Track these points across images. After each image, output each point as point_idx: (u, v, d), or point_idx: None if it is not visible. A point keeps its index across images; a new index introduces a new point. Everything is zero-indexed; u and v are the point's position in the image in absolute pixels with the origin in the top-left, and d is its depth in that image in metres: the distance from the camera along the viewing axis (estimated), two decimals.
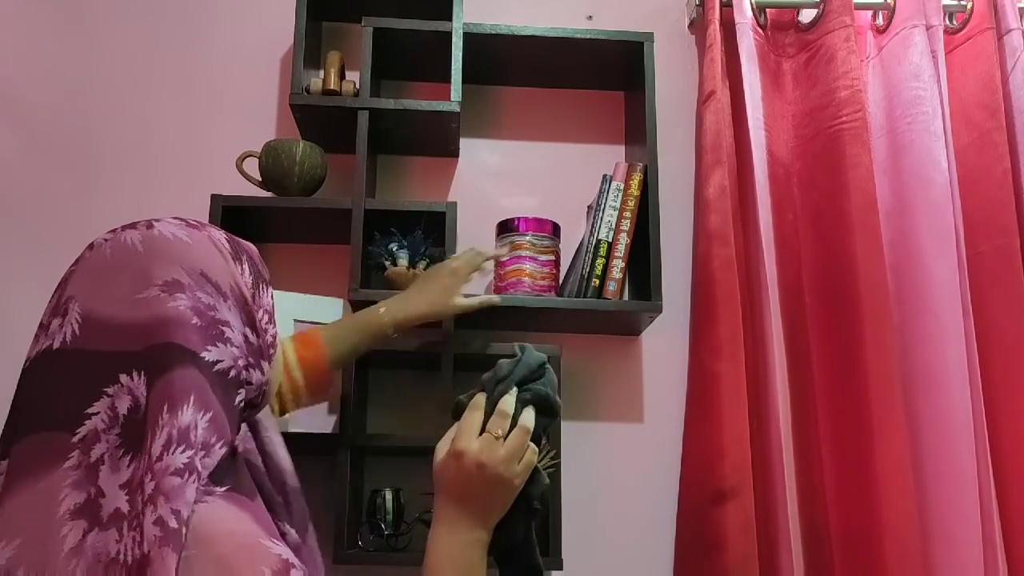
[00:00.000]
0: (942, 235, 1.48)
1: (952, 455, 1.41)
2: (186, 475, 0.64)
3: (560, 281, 1.50)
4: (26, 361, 0.70)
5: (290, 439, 1.40)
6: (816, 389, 1.48)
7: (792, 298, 1.54)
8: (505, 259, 1.47)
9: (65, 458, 0.64)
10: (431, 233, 1.46)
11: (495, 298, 1.33)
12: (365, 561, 1.39)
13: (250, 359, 0.75)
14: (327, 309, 1.44)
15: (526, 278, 1.45)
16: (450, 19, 1.51)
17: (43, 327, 0.70)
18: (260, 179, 1.47)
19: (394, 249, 1.45)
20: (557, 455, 1.35)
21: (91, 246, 0.74)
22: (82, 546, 0.62)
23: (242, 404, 0.74)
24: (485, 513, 0.84)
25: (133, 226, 0.75)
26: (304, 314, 1.41)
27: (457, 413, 0.87)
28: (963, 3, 1.64)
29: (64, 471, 0.64)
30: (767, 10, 1.66)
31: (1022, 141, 1.55)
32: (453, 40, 1.50)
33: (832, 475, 1.44)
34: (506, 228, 1.49)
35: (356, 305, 1.42)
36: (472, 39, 1.53)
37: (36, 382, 0.68)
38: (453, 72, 1.49)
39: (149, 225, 0.75)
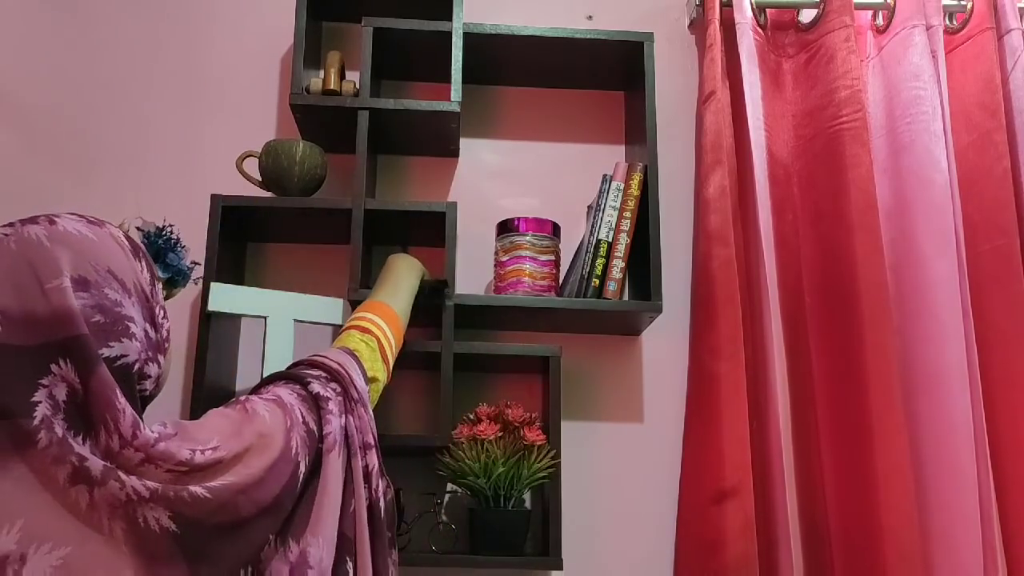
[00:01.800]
0: (942, 235, 1.48)
1: (952, 455, 1.41)
2: (161, 443, 0.74)
3: (560, 281, 1.50)
4: None
5: None
6: (816, 389, 1.48)
7: (792, 298, 1.54)
8: (505, 259, 1.47)
9: (35, 440, 0.68)
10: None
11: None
12: None
13: (149, 352, 0.78)
14: (327, 309, 1.44)
15: (526, 278, 1.45)
16: (450, 19, 1.51)
17: None
18: (260, 179, 1.47)
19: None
20: (557, 455, 1.36)
21: None
22: (95, 502, 0.69)
23: (144, 394, 0.79)
24: (417, 269, 1.35)
25: (34, 220, 0.77)
26: (304, 314, 1.41)
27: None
28: (963, 3, 1.64)
29: (41, 451, 0.68)
30: (767, 10, 1.66)
31: (1022, 141, 1.55)
32: (453, 40, 1.50)
33: (832, 475, 1.44)
34: (506, 228, 1.49)
35: (356, 305, 1.42)
36: (472, 39, 1.53)
37: None
38: (453, 72, 1.49)
39: (51, 220, 0.77)
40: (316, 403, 0.93)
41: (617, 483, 1.54)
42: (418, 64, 1.61)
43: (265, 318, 1.37)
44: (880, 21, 1.66)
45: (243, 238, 1.57)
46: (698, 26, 1.72)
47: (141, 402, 0.78)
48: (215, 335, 1.38)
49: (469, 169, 1.67)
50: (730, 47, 1.62)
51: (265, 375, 1.34)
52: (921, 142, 1.53)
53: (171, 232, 1.23)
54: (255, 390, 0.95)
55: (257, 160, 1.47)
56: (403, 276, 1.32)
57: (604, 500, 1.53)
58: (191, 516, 0.73)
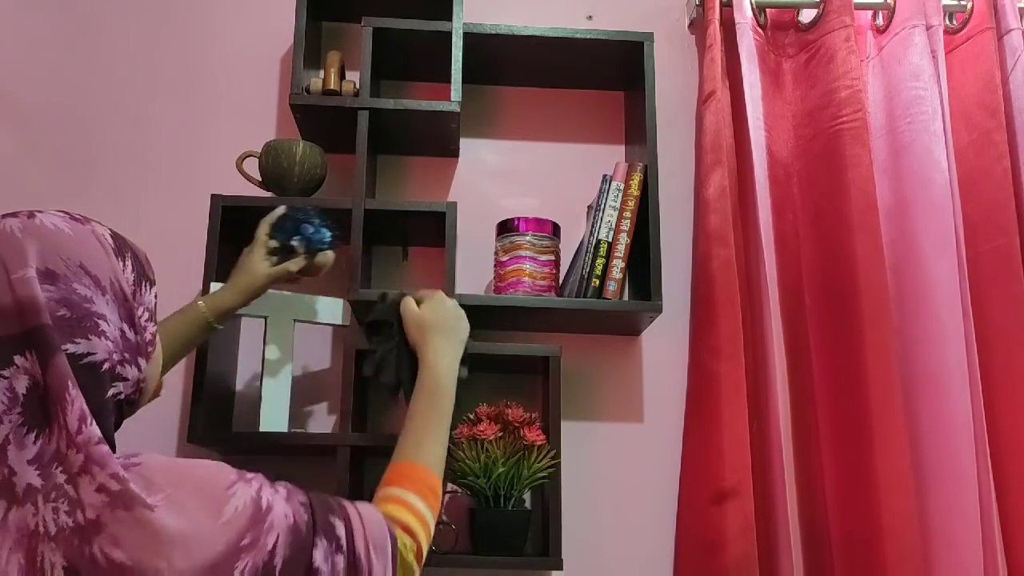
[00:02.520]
0: (942, 235, 1.48)
1: (952, 456, 1.41)
2: (105, 444, 0.69)
3: (560, 281, 1.50)
4: None
5: (290, 439, 1.41)
6: (816, 389, 1.48)
7: (792, 298, 1.53)
8: (505, 259, 1.47)
9: None
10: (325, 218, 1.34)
11: (298, 261, 1.27)
12: None
13: (126, 354, 0.76)
14: (327, 309, 1.44)
15: (526, 278, 1.44)
16: (450, 19, 1.51)
17: None
18: (260, 179, 1.47)
19: (293, 243, 1.30)
20: (557, 455, 1.36)
21: None
22: (6, 524, 0.66)
23: (119, 397, 0.75)
24: (460, 345, 1.18)
25: (15, 215, 0.76)
26: (304, 314, 1.42)
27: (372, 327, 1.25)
28: (963, 3, 1.64)
29: None
30: (767, 10, 1.66)
31: (1022, 141, 1.55)
32: (453, 40, 1.50)
33: (832, 475, 1.44)
34: (506, 228, 1.49)
35: (356, 305, 1.42)
36: (472, 39, 1.52)
37: None
38: (453, 72, 1.49)
39: (31, 215, 0.76)
40: (307, 564, 0.75)
41: (617, 483, 1.54)
42: (418, 64, 1.60)
43: (265, 318, 1.37)
44: (880, 21, 1.66)
45: (243, 238, 1.56)
46: (698, 26, 1.72)
47: (118, 406, 0.76)
48: (215, 335, 1.38)
49: (469, 169, 1.67)
50: (730, 47, 1.62)
51: (263, 373, 1.35)
52: (921, 142, 1.53)
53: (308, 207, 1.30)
54: (274, 479, 0.79)
55: (257, 160, 1.46)
56: (450, 391, 1.11)
57: (604, 500, 1.53)
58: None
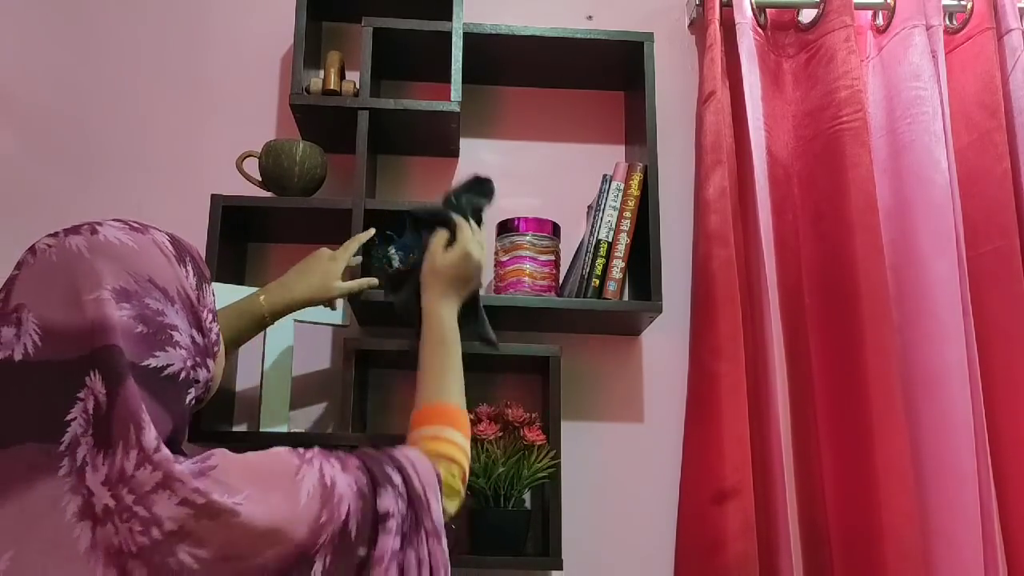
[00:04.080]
0: (942, 236, 1.48)
1: (952, 455, 1.41)
2: (183, 458, 0.71)
3: (560, 281, 1.50)
4: None
5: (290, 440, 1.41)
6: (816, 389, 1.48)
7: (792, 298, 1.54)
8: (504, 259, 1.47)
9: (57, 467, 0.68)
10: (426, 232, 1.42)
11: (372, 280, 1.28)
12: None
13: (197, 359, 0.78)
14: (327, 309, 1.44)
15: (526, 278, 1.45)
16: (450, 19, 1.51)
17: None
18: (260, 179, 1.47)
19: (391, 252, 1.43)
20: (557, 455, 1.36)
21: (33, 251, 0.75)
22: (95, 543, 0.67)
23: (192, 401, 0.78)
24: (467, 292, 1.17)
25: (76, 231, 0.76)
26: (305, 315, 1.41)
27: (415, 223, 1.23)
28: (963, 3, 1.64)
29: (60, 479, 0.67)
30: (767, 10, 1.66)
31: (1022, 141, 1.55)
32: (453, 40, 1.50)
33: (832, 475, 1.44)
34: (506, 228, 1.49)
35: (356, 305, 1.42)
36: (472, 39, 1.52)
37: (2, 393, 0.69)
38: (453, 72, 1.49)
39: (93, 230, 0.76)
40: (375, 517, 0.80)
41: (617, 483, 1.54)
42: (418, 64, 1.60)
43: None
44: (880, 21, 1.66)
45: (243, 238, 1.57)
46: (698, 26, 1.72)
47: (190, 408, 0.79)
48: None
49: (469, 169, 1.66)
50: (730, 47, 1.62)
51: (263, 373, 1.35)
52: (921, 142, 1.53)
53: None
54: (327, 450, 0.83)
55: (257, 160, 1.46)
56: (456, 341, 1.14)
57: (604, 500, 1.53)
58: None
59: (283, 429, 1.36)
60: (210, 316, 0.82)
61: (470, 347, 1.42)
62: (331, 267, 1.24)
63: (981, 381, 1.44)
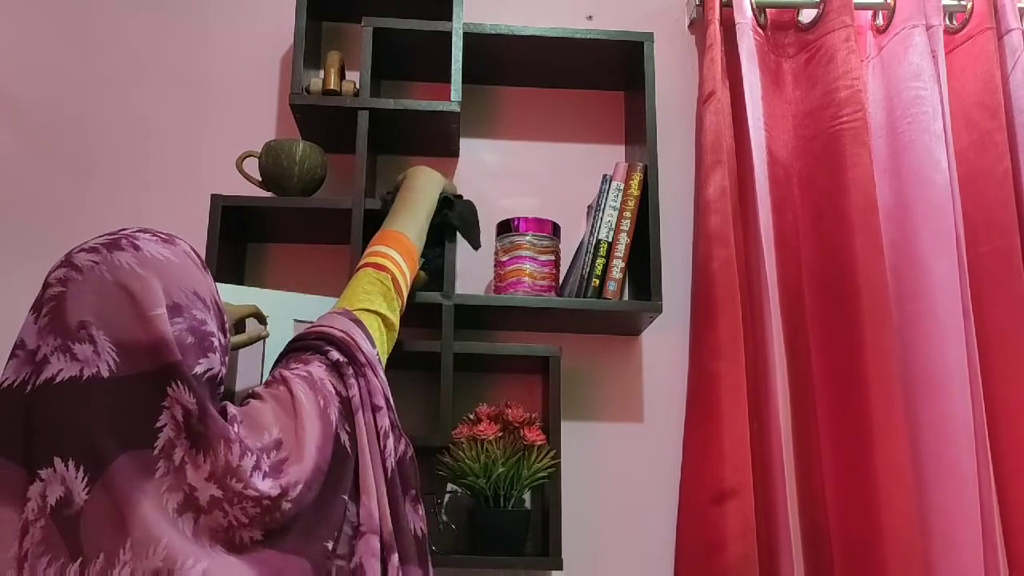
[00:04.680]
0: (942, 236, 1.48)
1: (952, 455, 1.41)
2: (249, 454, 0.82)
3: (560, 281, 1.50)
4: (48, 383, 0.74)
5: None
6: (816, 389, 1.48)
7: (792, 298, 1.53)
8: (504, 259, 1.47)
9: (154, 470, 0.75)
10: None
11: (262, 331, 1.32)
12: None
13: (223, 358, 0.84)
14: (327, 309, 1.43)
15: (526, 278, 1.44)
16: (450, 19, 1.51)
17: (62, 350, 0.75)
18: (260, 179, 1.47)
19: None
20: (557, 455, 1.36)
21: (76, 267, 0.78)
22: (198, 528, 0.76)
23: (220, 395, 0.86)
24: (437, 181, 1.34)
25: (118, 246, 0.79)
26: (304, 314, 1.41)
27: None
28: (963, 3, 1.64)
29: (157, 480, 0.75)
30: (767, 10, 1.66)
31: (1022, 141, 1.55)
32: (453, 40, 1.50)
33: (832, 475, 1.44)
34: (506, 228, 1.49)
35: None
36: (472, 39, 1.52)
37: (97, 408, 0.74)
38: (453, 72, 1.49)
39: (135, 246, 0.80)
40: (338, 370, 0.97)
41: (617, 483, 1.54)
42: (418, 64, 1.60)
43: (265, 318, 1.36)
44: (880, 21, 1.66)
45: (243, 238, 1.57)
46: (698, 26, 1.72)
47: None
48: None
49: (469, 169, 1.67)
50: (730, 47, 1.62)
51: (263, 373, 1.35)
52: (921, 142, 1.53)
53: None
54: (283, 363, 1.00)
55: (257, 160, 1.46)
56: (421, 197, 1.30)
57: (604, 500, 1.53)
58: (279, 524, 0.82)
59: None
60: (226, 318, 0.88)
61: (471, 347, 1.43)
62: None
63: (981, 381, 1.44)
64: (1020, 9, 1.62)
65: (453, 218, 1.39)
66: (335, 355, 0.98)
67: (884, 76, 1.62)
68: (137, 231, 0.82)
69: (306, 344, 1.02)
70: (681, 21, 1.75)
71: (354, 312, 1.08)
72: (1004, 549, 1.40)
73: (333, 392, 0.95)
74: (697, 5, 1.69)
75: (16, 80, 1.64)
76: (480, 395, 1.49)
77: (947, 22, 1.64)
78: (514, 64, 1.63)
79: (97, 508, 0.72)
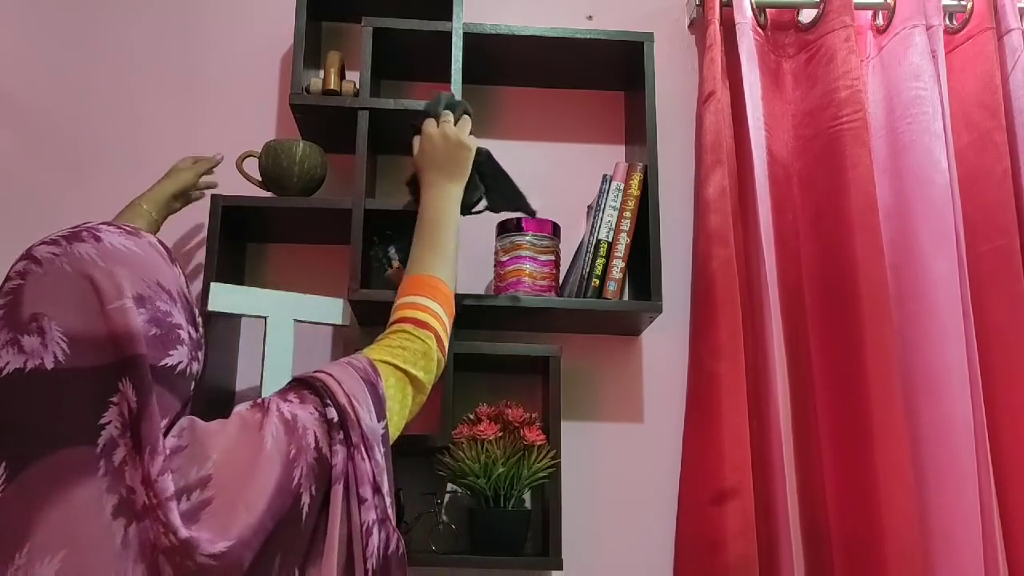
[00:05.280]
0: (942, 235, 1.48)
1: (952, 455, 1.41)
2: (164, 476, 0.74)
3: (560, 281, 1.50)
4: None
5: None
6: (816, 389, 1.48)
7: (792, 298, 1.53)
8: (504, 259, 1.47)
9: (95, 468, 0.71)
10: None
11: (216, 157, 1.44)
12: None
13: (194, 352, 0.82)
14: (327, 309, 1.44)
15: (526, 278, 1.44)
16: (450, 19, 1.51)
17: (11, 343, 0.72)
18: (260, 179, 1.47)
19: (391, 252, 1.45)
20: (557, 455, 1.36)
21: (36, 259, 0.76)
22: (127, 539, 0.71)
23: (193, 390, 0.82)
24: (458, 174, 1.24)
25: (78, 238, 0.77)
26: (304, 314, 1.41)
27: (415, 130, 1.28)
28: (963, 3, 1.64)
29: (98, 479, 0.71)
30: (767, 10, 1.66)
31: (1022, 141, 1.55)
32: (453, 40, 1.50)
33: (832, 475, 1.44)
34: (506, 228, 1.49)
35: (356, 305, 1.42)
36: (472, 39, 1.52)
37: (35, 401, 0.71)
38: (453, 72, 1.49)
39: (96, 237, 0.78)
40: (329, 429, 0.86)
41: (617, 483, 1.54)
42: (418, 64, 1.60)
43: (265, 318, 1.37)
44: (880, 21, 1.66)
45: (243, 238, 1.57)
46: (698, 26, 1.72)
47: (191, 400, 0.82)
48: (215, 335, 1.38)
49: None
50: (730, 47, 1.62)
51: (263, 373, 1.36)
52: (921, 142, 1.53)
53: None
54: (282, 391, 0.90)
55: (257, 160, 1.46)
56: (446, 225, 1.19)
57: (604, 500, 1.53)
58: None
59: None
60: (196, 311, 0.85)
61: (471, 347, 1.43)
62: (193, 170, 1.42)
63: (981, 381, 1.44)
64: (1020, 9, 1.62)
65: (494, 204, 1.32)
66: (332, 414, 0.86)
67: (884, 76, 1.62)
68: (100, 223, 0.80)
69: (316, 385, 0.90)
70: (681, 21, 1.75)
71: (379, 365, 0.96)
72: (1004, 549, 1.40)
73: (312, 446, 0.83)
74: (697, 5, 1.69)
75: (16, 80, 1.64)
76: (480, 395, 1.49)
77: (947, 22, 1.64)
78: (514, 64, 1.63)
79: (4, 509, 0.68)
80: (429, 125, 1.26)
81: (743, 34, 1.59)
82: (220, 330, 1.41)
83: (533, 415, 1.40)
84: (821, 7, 1.61)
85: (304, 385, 0.90)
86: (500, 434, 1.35)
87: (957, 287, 1.46)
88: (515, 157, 1.67)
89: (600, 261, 1.45)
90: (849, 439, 1.43)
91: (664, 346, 1.60)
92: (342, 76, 1.52)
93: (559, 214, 1.53)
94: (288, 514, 0.79)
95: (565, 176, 1.66)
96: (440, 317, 1.08)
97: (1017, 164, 1.55)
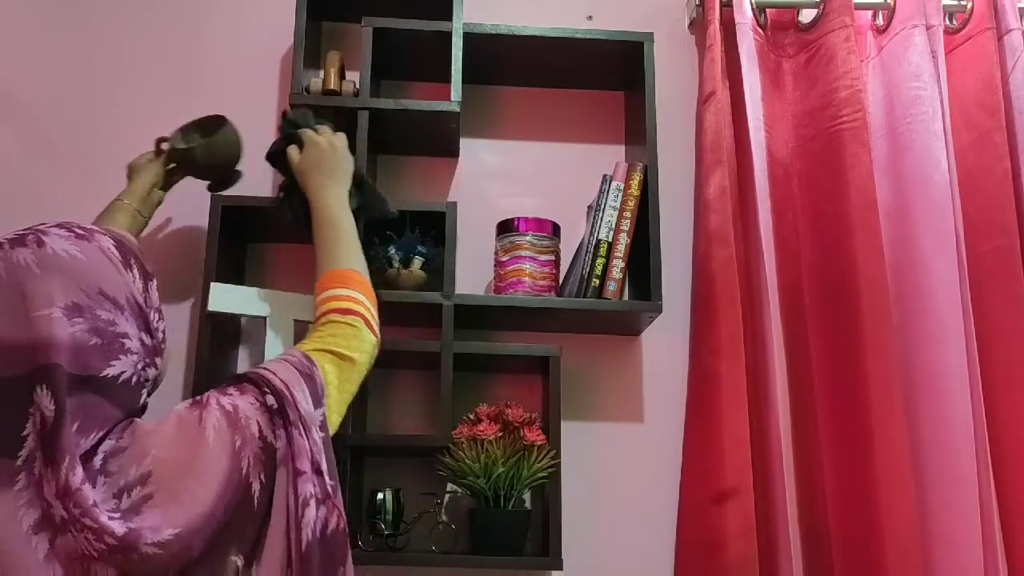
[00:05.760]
0: (942, 235, 1.48)
1: (952, 456, 1.41)
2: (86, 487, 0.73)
3: (560, 281, 1.50)
4: None
5: None
6: (816, 389, 1.48)
7: (792, 298, 1.53)
8: (505, 259, 1.47)
9: (13, 482, 0.70)
10: (428, 232, 1.46)
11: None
12: (364, 561, 1.38)
13: (147, 359, 0.81)
14: None
15: (526, 278, 1.44)
16: (450, 19, 1.51)
17: None
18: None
19: (391, 252, 1.45)
20: (557, 455, 1.36)
21: None
22: (53, 551, 0.70)
23: (145, 398, 0.82)
24: (343, 181, 1.26)
25: (22, 242, 0.76)
26: (304, 314, 1.41)
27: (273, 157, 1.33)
28: (963, 3, 1.64)
29: (16, 493, 0.70)
30: (767, 10, 1.66)
31: (1022, 141, 1.55)
32: (453, 40, 1.50)
33: (832, 476, 1.44)
34: (506, 228, 1.49)
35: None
36: (472, 39, 1.52)
37: None
38: (453, 72, 1.49)
39: (39, 241, 0.76)
40: (271, 416, 0.87)
41: (617, 483, 1.54)
42: (418, 64, 1.60)
43: (265, 318, 1.37)
44: (880, 21, 1.66)
45: (243, 238, 1.56)
46: (698, 26, 1.72)
47: (144, 405, 0.81)
48: (215, 335, 1.38)
49: (469, 169, 1.67)
50: (730, 47, 1.62)
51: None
52: (921, 142, 1.53)
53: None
54: (220, 386, 0.91)
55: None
56: (346, 222, 1.21)
57: (604, 500, 1.53)
58: (144, 572, 0.73)
59: None
60: (156, 315, 0.84)
61: (471, 347, 1.43)
62: (157, 161, 1.40)
63: (981, 381, 1.44)
64: (1020, 9, 1.62)
65: (369, 212, 1.35)
66: (271, 400, 0.88)
67: (884, 76, 1.62)
68: (52, 226, 0.79)
69: (253, 378, 0.92)
70: (681, 21, 1.75)
71: (312, 354, 0.99)
72: (1004, 550, 1.40)
73: (256, 435, 0.84)
74: (697, 5, 1.69)
75: (16, 80, 1.64)
76: (480, 395, 1.49)
77: (947, 22, 1.64)
78: (514, 64, 1.63)
79: None
80: (311, 135, 1.28)
81: (743, 34, 1.59)
82: (220, 330, 1.41)
83: (533, 415, 1.40)
84: (821, 7, 1.61)
85: (242, 379, 0.91)
86: (500, 434, 1.35)
87: (957, 287, 1.46)
88: (515, 157, 1.68)
89: (600, 261, 1.45)
90: (849, 439, 1.43)
91: (664, 346, 1.60)
92: (342, 76, 1.52)
93: (559, 214, 1.53)
94: (241, 503, 0.80)
95: (565, 176, 1.66)
96: (363, 303, 1.10)
97: (1017, 164, 1.55)
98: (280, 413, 0.87)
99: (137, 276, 0.82)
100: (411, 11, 1.53)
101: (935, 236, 1.49)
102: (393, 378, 1.55)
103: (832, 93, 1.54)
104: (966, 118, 1.58)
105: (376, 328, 1.10)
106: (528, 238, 1.46)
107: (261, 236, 1.58)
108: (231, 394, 0.87)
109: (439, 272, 1.44)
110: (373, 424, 1.52)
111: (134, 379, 0.78)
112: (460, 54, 1.50)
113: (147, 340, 0.81)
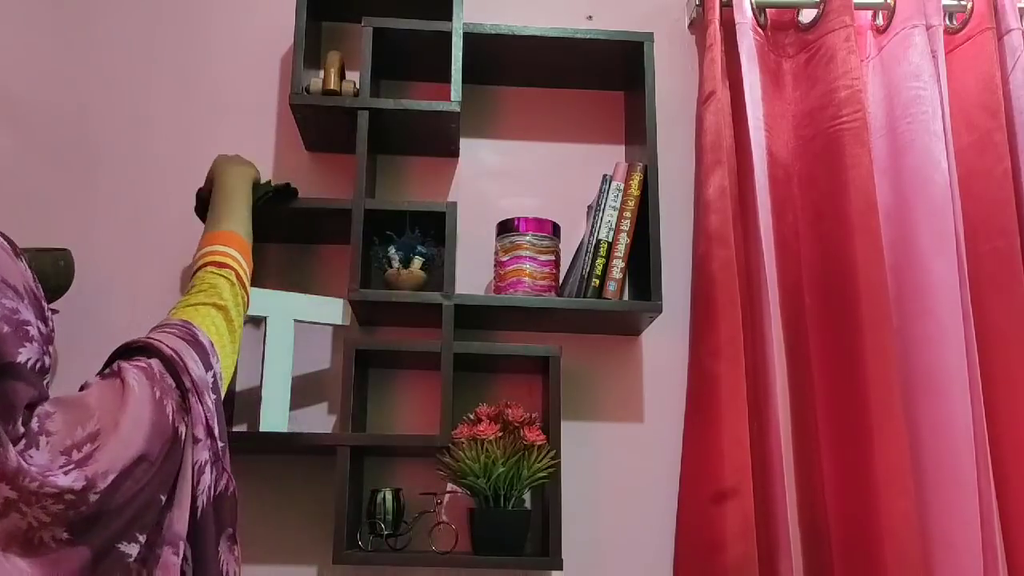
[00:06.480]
0: (942, 236, 1.48)
1: (952, 457, 1.41)
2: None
3: (560, 281, 1.50)
4: None
5: (290, 439, 1.41)
6: (816, 390, 1.48)
7: (792, 299, 1.53)
8: (505, 259, 1.47)
9: None
10: (428, 232, 1.46)
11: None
12: (364, 561, 1.39)
13: (44, 347, 0.81)
14: (327, 309, 1.44)
15: (526, 278, 1.45)
16: (450, 19, 1.51)
17: None
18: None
19: (391, 252, 1.46)
20: (557, 455, 1.36)
21: None
22: None
23: (47, 386, 0.83)
24: (248, 174, 1.32)
25: None
26: (304, 314, 1.41)
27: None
28: (963, 3, 1.64)
29: None
30: (767, 10, 1.66)
31: (1022, 141, 1.55)
32: (453, 40, 1.50)
33: (832, 477, 1.44)
34: (506, 228, 1.49)
35: (356, 305, 1.42)
36: (472, 39, 1.52)
37: None
38: (453, 72, 1.49)
39: None
40: (174, 371, 0.92)
41: (617, 483, 1.54)
42: (418, 64, 1.60)
43: (265, 318, 1.37)
44: (880, 21, 1.66)
45: None
46: (698, 26, 1.72)
47: (47, 396, 0.82)
48: None
49: (469, 169, 1.67)
50: (730, 47, 1.62)
51: (263, 373, 1.36)
52: (921, 142, 1.53)
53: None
54: (118, 357, 0.94)
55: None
56: (239, 191, 1.27)
57: (604, 500, 1.53)
58: (84, 518, 0.76)
59: (283, 429, 1.36)
60: (45, 305, 0.85)
61: (471, 347, 1.43)
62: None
63: (981, 382, 1.43)
64: (1020, 9, 1.62)
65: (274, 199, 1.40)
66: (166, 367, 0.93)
67: (884, 76, 1.62)
68: None
69: (142, 347, 0.95)
70: (681, 21, 1.75)
71: (191, 314, 1.03)
72: (1003, 552, 1.40)
73: (173, 385, 0.90)
74: (697, 5, 1.69)
75: (16, 80, 1.64)
76: (480, 395, 1.49)
77: (947, 22, 1.64)
78: (514, 64, 1.63)
79: None
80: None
81: (743, 34, 1.59)
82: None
83: (533, 415, 1.40)
84: (821, 7, 1.61)
85: (132, 350, 0.94)
86: (500, 434, 1.36)
87: (957, 288, 1.46)
88: (515, 157, 1.68)
89: (600, 261, 1.45)
90: (848, 440, 1.43)
91: (664, 346, 1.60)
92: (342, 76, 1.52)
93: (559, 214, 1.53)
94: (171, 447, 0.86)
95: (565, 176, 1.66)
96: (236, 259, 1.15)
97: (1017, 164, 1.55)
98: (174, 377, 0.92)
99: (26, 267, 0.83)
100: (411, 11, 1.53)
101: (935, 236, 1.49)
102: (393, 378, 1.55)
103: (832, 93, 1.54)
104: (966, 118, 1.58)
105: (248, 286, 1.16)
106: (528, 238, 1.46)
107: (261, 236, 1.56)
108: (135, 360, 0.91)
109: (439, 272, 1.44)
110: (373, 424, 1.53)
111: (38, 365, 0.79)
112: (460, 54, 1.50)
113: (43, 328, 0.81)
